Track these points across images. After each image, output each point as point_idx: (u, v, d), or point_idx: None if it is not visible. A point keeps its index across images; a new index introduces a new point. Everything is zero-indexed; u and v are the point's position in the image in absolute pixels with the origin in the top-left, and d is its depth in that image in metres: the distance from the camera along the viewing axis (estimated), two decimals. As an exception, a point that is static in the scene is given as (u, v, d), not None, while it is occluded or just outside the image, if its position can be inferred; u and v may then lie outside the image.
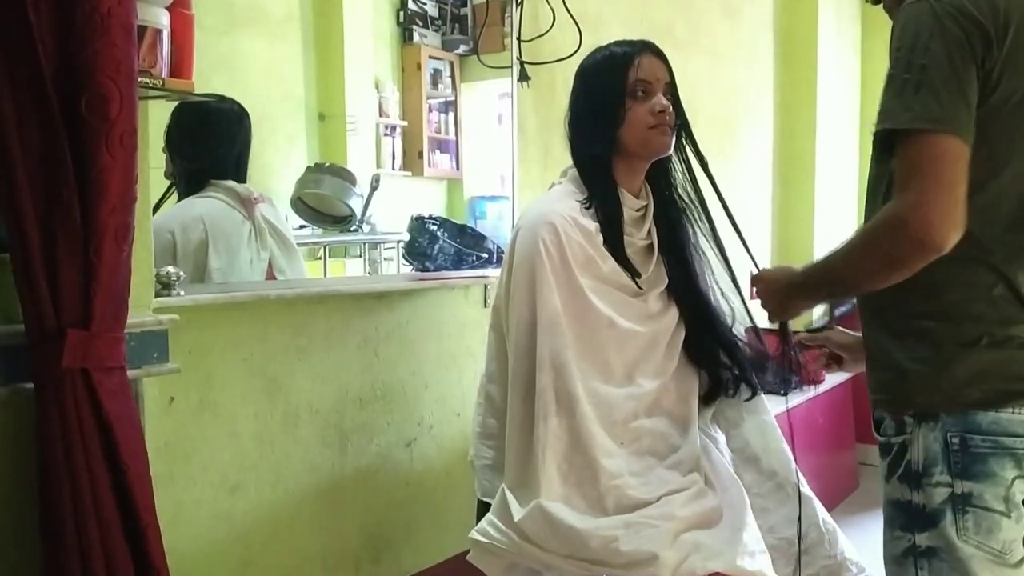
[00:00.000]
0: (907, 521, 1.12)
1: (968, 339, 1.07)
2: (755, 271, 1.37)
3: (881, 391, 1.18)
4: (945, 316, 1.08)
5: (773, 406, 1.56)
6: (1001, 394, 1.06)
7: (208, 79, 1.44)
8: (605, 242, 1.43)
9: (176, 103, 1.74)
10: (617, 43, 1.48)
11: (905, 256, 1.03)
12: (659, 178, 1.52)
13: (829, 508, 1.57)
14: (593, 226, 1.43)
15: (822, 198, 3.68)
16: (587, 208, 1.45)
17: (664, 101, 1.42)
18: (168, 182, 1.97)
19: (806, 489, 1.49)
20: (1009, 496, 1.06)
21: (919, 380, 1.10)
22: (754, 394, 1.51)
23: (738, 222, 1.54)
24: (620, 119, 1.42)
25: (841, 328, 1.46)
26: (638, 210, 1.49)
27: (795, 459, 1.50)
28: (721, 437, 1.53)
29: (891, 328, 1.14)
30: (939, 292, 1.08)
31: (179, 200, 1.96)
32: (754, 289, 1.35)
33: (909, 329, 1.12)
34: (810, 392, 3.21)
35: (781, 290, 1.27)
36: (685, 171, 1.53)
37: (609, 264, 1.43)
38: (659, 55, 1.46)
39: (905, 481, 1.12)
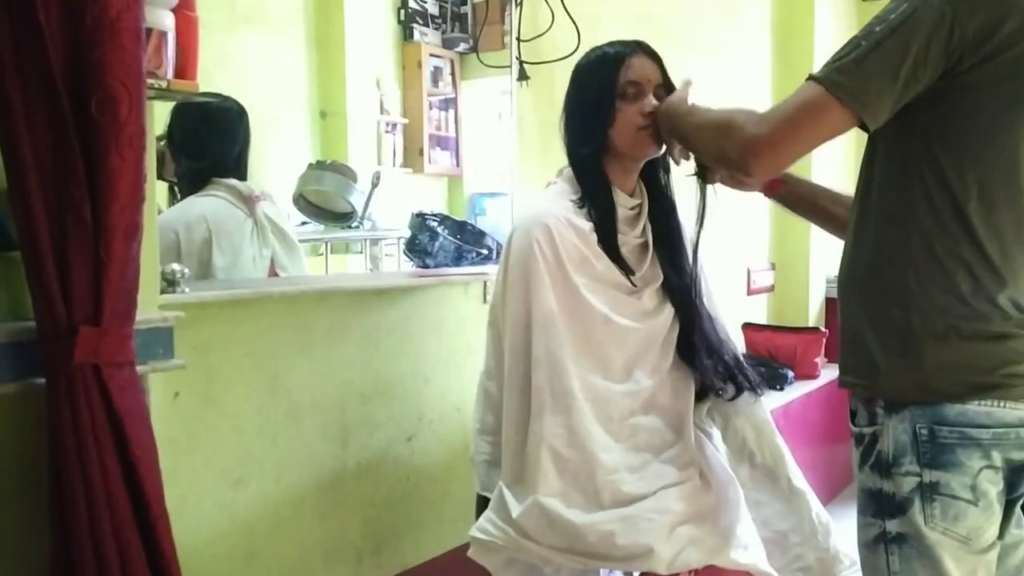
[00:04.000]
0: (878, 509, 1.15)
1: (937, 332, 1.10)
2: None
3: (851, 373, 1.20)
4: (916, 308, 1.11)
5: (768, 401, 1.57)
6: (968, 387, 1.09)
7: (211, 77, 1.45)
8: (599, 241, 1.44)
9: (174, 103, 1.75)
10: (611, 43, 1.48)
11: (728, 161, 1.19)
12: (654, 176, 1.53)
13: (825, 501, 1.59)
14: (587, 226, 1.44)
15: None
16: (581, 207, 1.46)
17: (654, 102, 1.41)
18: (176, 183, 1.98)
19: (800, 483, 1.51)
20: (976, 485, 1.09)
21: (889, 370, 1.13)
22: (738, 393, 1.51)
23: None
24: (610, 120, 1.42)
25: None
26: (632, 208, 1.49)
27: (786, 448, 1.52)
28: (716, 432, 1.55)
29: (867, 312, 1.17)
30: (912, 284, 1.11)
31: (181, 199, 1.97)
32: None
33: (883, 316, 1.14)
34: (806, 386, 3.24)
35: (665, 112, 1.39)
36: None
37: (603, 263, 1.43)
38: (652, 55, 1.45)
39: (876, 470, 1.15)
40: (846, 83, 1.05)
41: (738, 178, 1.40)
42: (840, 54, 1.08)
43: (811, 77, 1.09)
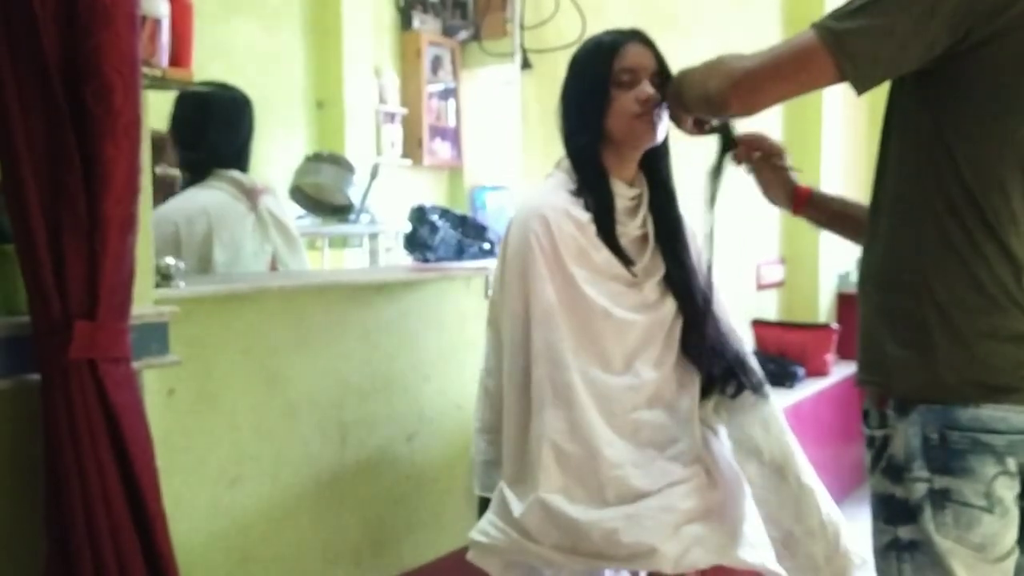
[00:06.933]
0: (890, 515, 1.12)
1: (952, 325, 1.06)
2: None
3: (865, 370, 1.18)
4: (931, 300, 1.07)
5: (778, 399, 1.54)
6: (982, 389, 1.05)
7: (205, 67, 1.42)
8: (597, 232, 1.42)
9: (177, 93, 1.73)
10: (607, 32, 1.47)
11: (709, 96, 1.20)
12: (655, 165, 1.51)
13: (838, 500, 1.56)
14: (586, 217, 1.42)
15: (828, 188, 3.66)
16: (579, 198, 1.44)
17: (649, 89, 1.40)
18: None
19: (809, 480, 1.48)
20: (991, 492, 1.05)
21: (901, 366, 1.09)
22: (739, 391, 1.48)
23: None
24: (605, 108, 1.41)
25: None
26: (632, 199, 1.47)
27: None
28: (722, 428, 1.52)
29: (880, 305, 1.14)
30: (931, 278, 1.07)
31: (182, 189, 1.94)
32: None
33: (896, 309, 1.11)
34: (817, 384, 3.21)
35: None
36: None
37: (602, 254, 1.42)
38: (646, 43, 1.45)
39: (888, 475, 1.12)
40: (838, 32, 1.04)
41: (718, 114, 1.35)
42: (842, 5, 1.06)
43: (813, 24, 1.08)
